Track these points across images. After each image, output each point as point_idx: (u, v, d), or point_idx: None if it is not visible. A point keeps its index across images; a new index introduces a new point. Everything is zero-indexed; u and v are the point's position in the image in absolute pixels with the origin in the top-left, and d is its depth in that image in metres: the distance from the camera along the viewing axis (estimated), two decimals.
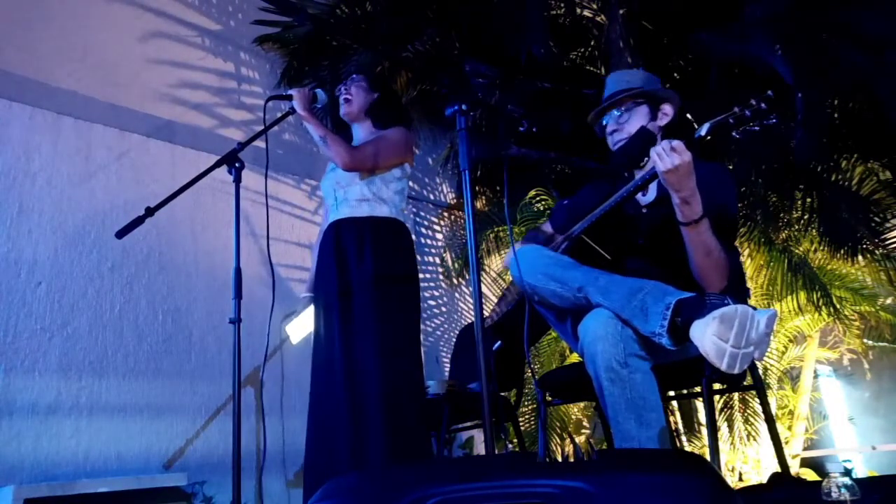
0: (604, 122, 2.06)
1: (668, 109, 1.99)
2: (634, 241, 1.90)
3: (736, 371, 1.49)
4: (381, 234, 2.36)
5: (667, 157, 1.62)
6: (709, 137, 1.65)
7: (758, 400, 2.72)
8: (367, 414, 2.17)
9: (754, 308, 1.54)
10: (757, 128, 1.61)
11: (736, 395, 3.83)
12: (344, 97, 2.52)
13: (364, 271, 2.31)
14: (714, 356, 1.48)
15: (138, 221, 2.09)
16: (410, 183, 4.71)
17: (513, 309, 2.24)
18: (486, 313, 2.61)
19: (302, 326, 3.45)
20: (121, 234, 2.07)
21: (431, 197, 4.90)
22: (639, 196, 1.97)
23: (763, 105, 1.59)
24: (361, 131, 2.54)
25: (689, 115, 3.50)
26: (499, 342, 2.60)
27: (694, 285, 1.70)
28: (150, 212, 2.11)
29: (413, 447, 2.16)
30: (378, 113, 2.52)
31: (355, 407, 2.19)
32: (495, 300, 4.41)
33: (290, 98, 2.37)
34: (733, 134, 1.64)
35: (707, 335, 1.48)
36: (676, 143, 1.63)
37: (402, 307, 2.31)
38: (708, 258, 1.70)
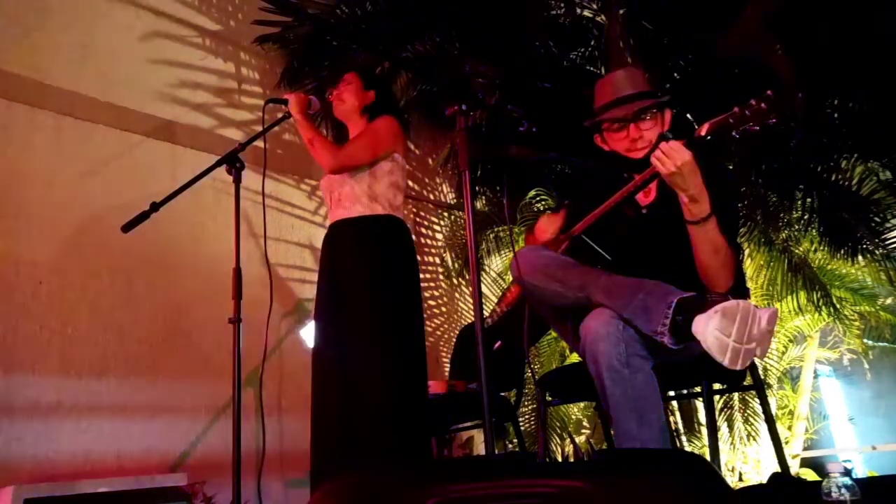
0: (620, 127, 1.93)
1: (668, 116, 1.98)
2: (634, 242, 1.90)
3: (738, 367, 1.49)
4: (373, 233, 2.36)
5: (668, 159, 1.61)
6: (709, 137, 1.64)
7: (758, 400, 2.72)
8: (360, 416, 2.16)
9: (756, 305, 1.54)
10: (757, 128, 1.61)
11: (736, 395, 3.83)
12: (336, 97, 2.52)
13: (354, 272, 2.30)
14: (716, 351, 1.48)
15: (143, 216, 2.11)
16: (410, 182, 4.73)
17: (513, 309, 2.24)
18: (486, 313, 2.61)
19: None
20: (126, 227, 2.09)
21: (431, 197, 4.90)
22: (640, 197, 1.96)
23: (763, 105, 1.58)
24: (355, 130, 2.54)
25: (688, 116, 3.51)
26: (499, 342, 2.60)
27: (695, 286, 1.70)
28: (155, 207, 2.13)
29: (409, 449, 2.15)
30: (371, 108, 2.51)
31: (349, 409, 2.18)
32: (495, 300, 4.42)
33: (286, 102, 2.40)
34: (733, 134, 1.63)
35: (709, 329, 1.48)
36: (675, 143, 1.63)
37: (396, 306, 2.30)
38: (716, 256, 1.70)
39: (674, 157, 1.61)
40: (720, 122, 1.63)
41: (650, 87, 1.99)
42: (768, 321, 1.51)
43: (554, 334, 3.95)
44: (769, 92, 1.59)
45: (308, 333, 3.55)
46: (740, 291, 1.82)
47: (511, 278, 2.20)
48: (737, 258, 1.80)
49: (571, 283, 1.74)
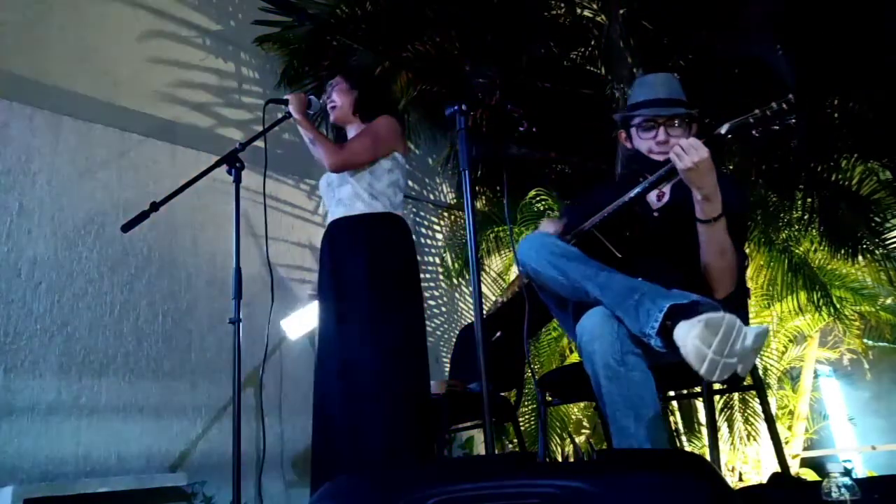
0: (651, 126, 1.93)
1: (695, 130, 1.98)
2: (645, 243, 1.90)
3: (715, 379, 1.49)
4: (374, 230, 2.36)
5: (686, 155, 1.63)
6: (729, 136, 1.66)
7: (758, 400, 2.72)
8: (363, 415, 2.16)
9: (747, 322, 1.53)
10: (777, 127, 1.63)
11: (736, 395, 3.83)
12: (329, 105, 2.53)
13: (356, 270, 2.30)
14: (693, 359, 1.47)
15: (143, 216, 2.11)
16: (410, 182, 4.73)
17: (513, 298, 2.24)
18: (485, 313, 2.61)
19: (299, 323, 3.49)
20: (126, 227, 2.09)
21: (431, 197, 4.90)
22: (653, 199, 1.97)
23: (784, 106, 1.61)
24: (353, 131, 2.55)
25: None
26: (498, 332, 2.59)
27: (702, 289, 1.70)
28: (154, 207, 2.13)
29: (410, 448, 2.15)
30: (365, 108, 2.52)
31: (350, 408, 2.18)
32: (495, 299, 4.42)
33: (286, 102, 2.40)
34: (753, 133, 1.65)
35: (690, 337, 1.48)
36: (694, 140, 1.65)
37: (397, 303, 2.29)
38: (722, 258, 1.72)
39: (692, 154, 1.63)
40: (741, 122, 1.66)
41: (684, 96, 2.01)
42: (754, 340, 1.49)
43: (554, 334, 3.96)
44: (790, 96, 1.61)
45: (290, 325, 3.51)
46: (740, 292, 1.82)
47: (512, 276, 2.20)
48: (741, 264, 1.80)
49: (570, 275, 1.74)
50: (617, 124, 2.07)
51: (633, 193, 1.82)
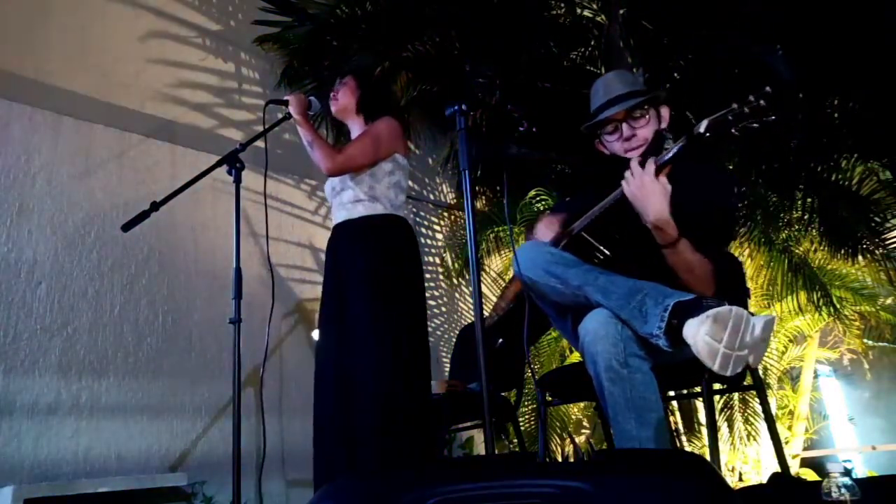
0: (613, 129, 1.93)
1: (665, 113, 1.97)
2: (634, 241, 1.89)
3: (728, 373, 1.49)
4: (375, 233, 2.35)
5: (633, 179, 1.62)
6: (707, 135, 1.63)
7: (758, 400, 2.72)
8: (362, 419, 2.16)
9: (752, 313, 1.53)
10: (756, 125, 1.60)
11: (736, 395, 3.84)
12: (333, 98, 2.54)
13: (355, 273, 2.30)
14: (706, 356, 1.47)
15: (143, 216, 2.11)
16: (410, 182, 4.73)
17: (514, 307, 2.24)
18: (485, 313, 2.60)
19: None
20: (126, 227, 2.08)
21: (431, 197, 4.90)
22: None
23: (762, 102, 1.57)
24: (355, 129, 2.56)
25: (688, 114, 3.51)
26: (500, 340, 2.59)
27: None
28: (155, 206, 2.12)
29: (408, 450, 2.15)
30: (367, 108, 2.53)
31: (350, 412, 2.18)
32: (495, 300, 4.42)
33: (286, 103, 2.40)
34: (732, 131, 1.62)
35: (700, 334, 1.48)
36: (642, 171, 1.64)
37: (398, 306, 2.29)
38: (691, 275, 1.69)
39: (631, 183, 1.63)
40: (718, 118, 1.62)
41: (641, 85, 1.98)
42: (762, 329, 1.49)
43: (554, 334, 3.95)
44: (767, 88, 1.58)
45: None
46: (740, 292, 1.82)
47: (511, 275, 2.20)
48: (718, 266, 1.77)
49: (570, 282, 1.74)
50: (586, 136, 2.05)
51: (615, 196, 1.81)
